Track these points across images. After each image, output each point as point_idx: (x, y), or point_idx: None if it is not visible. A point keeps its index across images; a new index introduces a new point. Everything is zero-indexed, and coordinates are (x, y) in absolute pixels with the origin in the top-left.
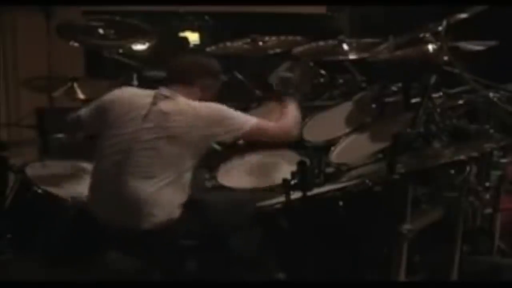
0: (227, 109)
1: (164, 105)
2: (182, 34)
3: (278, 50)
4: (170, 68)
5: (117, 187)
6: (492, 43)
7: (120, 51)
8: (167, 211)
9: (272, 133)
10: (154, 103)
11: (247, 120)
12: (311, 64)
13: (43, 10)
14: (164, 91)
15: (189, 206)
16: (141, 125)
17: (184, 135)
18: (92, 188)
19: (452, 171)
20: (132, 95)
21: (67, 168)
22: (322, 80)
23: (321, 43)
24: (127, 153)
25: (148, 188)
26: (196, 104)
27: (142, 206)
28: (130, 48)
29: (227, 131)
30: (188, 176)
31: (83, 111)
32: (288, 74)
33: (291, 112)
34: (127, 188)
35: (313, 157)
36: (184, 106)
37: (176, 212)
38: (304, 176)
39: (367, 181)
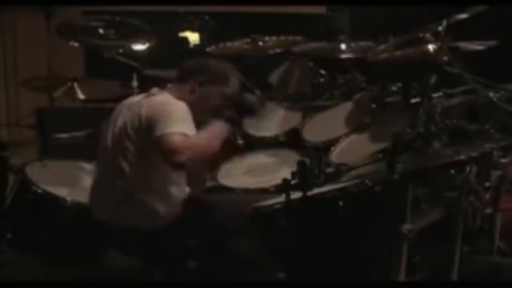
0: (174, 112)
1: (142, 101)
2: (182, 34)
3: (278, 50)
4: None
5: (108, 187)
6: (492, 43)
7: (120, 51)
8: (152, 214)
9: (171, 150)
10: (138, 101)
11: (173, 127)
12: (311, 64)
13: (43, 10)
14: (153, 89)
15: (189, 206)
16: (120, 123)
17: (125, 125)
18: (91, 188)
19: (452, 171)
20: (129, 99)
21: (67, 168)
22: (322, 80)
23: (321, 43)
24: (112, 152)
25: (130, 188)
26: (168, 100)
27: (131, 207)
28: (130, 48)
29: (154, 127)
30: (164, 178)
31: None
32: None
33: (202, 136)
34: (115, 189)
35: (313, 157)
36: (155, 101)
37: (165, 217)
38: (304, 176)
39: (367, 181)
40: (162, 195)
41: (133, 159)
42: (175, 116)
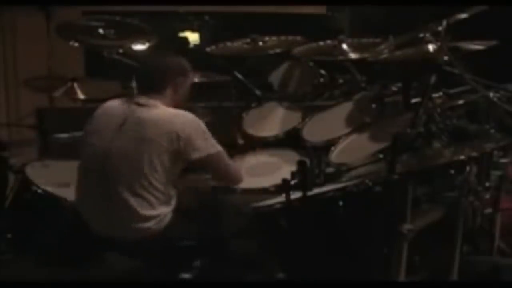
0: (201, 124)
1: (140, 113)
2: (182, 34)
3: (278, 50)
4: (138, 78)
5: (99, 196)
6: (492, 43)
7: (120, 51)
8: (151, 222)
9: (228, 169)
10: (131, 111)
11: (215, 144)
12: (311, 64)
13: (43, 10)
14: (140, 98)
15: (189, 206)
16: (117, 134)
17: (157, 143)
18: (78, 195)
19: (452, 171)
20: (112, 106)
21: (67, 168)
22: (322, 80)
23: (321, 43)
24: (105, 160)
25: (128, 198)
26: (172, 111)
27: (124, 216)
28: (130, 48)
29: (196, 147)
30: (168, 185)
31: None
32: None
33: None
34: (108, 198)
35: (313, 157)
36: (159, 113)
37: (163, 222)
38: (304, 176)
39: (367, 181)
40: (166, 206)
41: (143, 170)
42: (208, 133)
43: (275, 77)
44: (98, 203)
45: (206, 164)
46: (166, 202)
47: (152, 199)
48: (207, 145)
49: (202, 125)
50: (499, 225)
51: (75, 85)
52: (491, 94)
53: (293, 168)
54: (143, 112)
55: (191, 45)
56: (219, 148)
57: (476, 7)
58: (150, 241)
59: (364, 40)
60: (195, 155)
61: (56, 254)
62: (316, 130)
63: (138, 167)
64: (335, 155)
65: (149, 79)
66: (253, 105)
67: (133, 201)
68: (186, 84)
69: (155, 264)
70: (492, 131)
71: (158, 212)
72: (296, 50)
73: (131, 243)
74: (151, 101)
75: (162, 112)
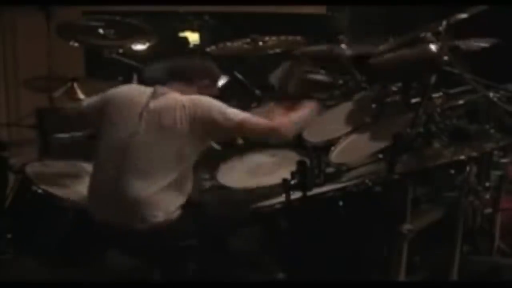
0: (216, 101)
1: (158, 102)
2: (182, 34)
3: (278, 50)
4: (172, 66)
5: (116, 187)
6: (492, 41)
7: (120, 51)
8: (166, 212)
9: (260, 131)
10: (149, 100)
11: (237, 113)
12: (311, 64)
13: (43, 10)
14: (159, 88)
15: (189, 206)
16: (138, 123)
17: (176, 130)
18: (91, 187)
19: (452, 171)
20: (132, 93)
21: (67, 168)
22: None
23: (321, 43)
24: (125, 152)
25: (147, 188)
26: (186, 97)
27: (141, 207)
28: (130, 48)
29: (216, 120)
30: (187, 175)
31: (86, 104)
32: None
33: (296, 114)
34: (127, 188)
35: (313, 157)
36: (175, 100)
37: (176, 213)
38: (304, 176)
39: (367, 181)
40: (175, 195)
41: (164, 161)
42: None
43: (275, 77)
44: (111, 191)
45: (240, 131)
46: (179, 194)
47: (165, 188)
48: (231, 113)
49: (214, 100)
50: (499, 225)
51: (75, 85)
52: (491, 94)
53: (293, 168)
54: (161, 101)
55: (191, 45)
56: (242, 115)
57: (476, 7)
58: (156, 233)
59: (364, 40)
60: (224, 124)
61: (56, 254)
62: (316, 130)
63: (157, 155)
64: (335, 155)
65: (182, 71)
66: (253, 105)
67: (145, 189)
68: (211, 89)
69: (156, 261)
70: (492, 131)
71: (169, 202)
72: (296, 50)
73: (136, 235)
74: (170, 91)
75: (178, 98)
